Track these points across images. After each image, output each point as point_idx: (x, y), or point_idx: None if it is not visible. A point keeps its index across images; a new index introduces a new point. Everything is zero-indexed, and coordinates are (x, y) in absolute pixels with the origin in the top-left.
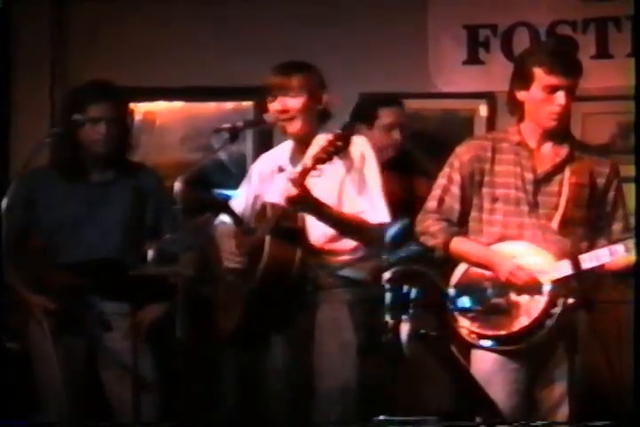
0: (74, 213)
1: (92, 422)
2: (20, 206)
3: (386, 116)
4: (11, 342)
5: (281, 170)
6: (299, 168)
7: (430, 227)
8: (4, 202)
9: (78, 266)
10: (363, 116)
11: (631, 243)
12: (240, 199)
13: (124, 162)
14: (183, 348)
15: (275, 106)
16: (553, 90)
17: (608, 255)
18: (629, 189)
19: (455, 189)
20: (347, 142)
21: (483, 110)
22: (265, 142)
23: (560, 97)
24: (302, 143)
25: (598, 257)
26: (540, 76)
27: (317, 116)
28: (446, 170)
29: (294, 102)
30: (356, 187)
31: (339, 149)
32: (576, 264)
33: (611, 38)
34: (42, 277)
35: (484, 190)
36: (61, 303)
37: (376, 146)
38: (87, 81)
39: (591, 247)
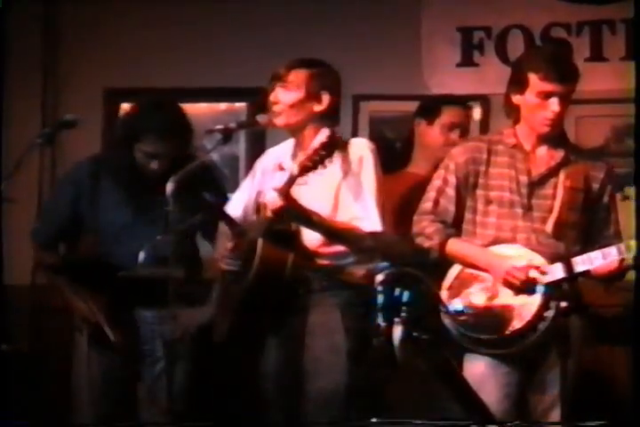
0: (124, 217)
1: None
2: (63, 199)
3: (448, 114)
4: (11, 344)
5: (280, 168)
6: (284, 179)
7: (426, 228)
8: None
9: (113, 267)
10: (425, 111)
11: (623, 246)
12: (243, 194)
13: None
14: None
15: (271, 96)
16: (547, 96)
17: (601, 258)
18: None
19: (450, 191)
20: (331, 151)
21: (476, 113)
22: (258, 144)
23: (554, 103)
24: (301, 142)
25: (591, 260)
26: (535, 81)
27: (317, 117)
28: (441, 171)
29: (286, 96)
30: (352, 192)
31: (323, 157)
32: (569, 267)
33: (605, 41)
34: (86, 284)
35: (479, 192)
36: (100, 316)
37: (433, 143)
38: (150, 105)
39: (584, 251)
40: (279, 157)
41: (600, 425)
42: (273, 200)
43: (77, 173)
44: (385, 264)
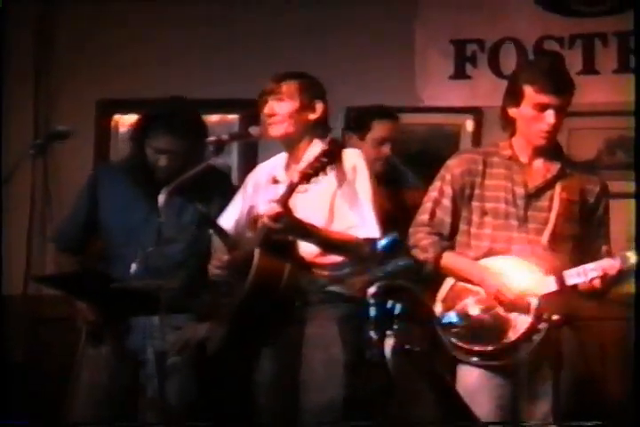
0: (133, 223)
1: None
2: (83, 202)
3: (378, 129)
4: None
5: (275, 181)
6: (285, 186)
7: (421, 240)
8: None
9: (106, 277)
10: (356, 127)
11: (617, 259)
12: (235, 209)
13: None
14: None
15: (265, 110)
16: (543, 108)
17: (594, 271)
18: (618, 205)
19: (446, 202)
20: (333, 158)
21: (469, 125)
22: (250, 155)
23: (550, 115)
24: (295, 154)
25: (585, 272)
26: (530, 94)
27: (311, 126)
28: (437, 183)
29: (282, 107)
30: (348, 201)
31: (325, 165)
32: (561, 280)
33: (597, 54)
34: (75, 284)
35: (474, 204)
36: (101, 317)
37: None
38: (161, 101)
39: (579, 263)
40: (271, 170)
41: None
42: (271, 208)
43: (95, 175)
44: (379, 273)
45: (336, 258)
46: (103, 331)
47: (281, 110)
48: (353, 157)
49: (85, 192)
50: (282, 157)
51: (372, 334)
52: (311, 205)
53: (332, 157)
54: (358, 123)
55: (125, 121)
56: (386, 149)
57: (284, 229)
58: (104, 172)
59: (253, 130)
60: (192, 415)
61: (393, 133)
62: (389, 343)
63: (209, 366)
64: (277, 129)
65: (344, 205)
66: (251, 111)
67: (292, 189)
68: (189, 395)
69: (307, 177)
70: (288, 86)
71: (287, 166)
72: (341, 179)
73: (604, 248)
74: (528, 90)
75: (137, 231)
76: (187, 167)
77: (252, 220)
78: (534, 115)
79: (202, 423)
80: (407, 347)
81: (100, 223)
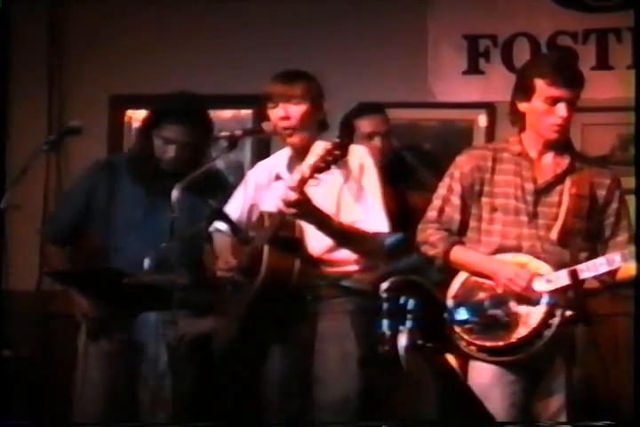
0: (131, 218)
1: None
2: (78, 196)
3: (363, 125)
4: (11, 347)
5: (278, 178)
6: (296, 177)
7: (430, 237)
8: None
9: (118, 273)
10: (345, 130)
11: (628, 252)
12: (235, 207)
13: None
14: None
15: (277, 112)
16: (554, 102)
17: (606, 265)
18: (630, 201)
19: (455, 199)
20: (344, 152)
21: (482, 121)
22: (263, 151)
23: (561, 109)
24: (300, 151)
25: (596, 267)
26: (542, 87)
27: (317, 126)
28: (446, 180)
29: (297, 110)
30: (354, 196)
31: (336, 158)
32: (574, 274)
33: (611, 50)
34: (88, 280)
35: (484, 200)
36: (101, 311)
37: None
38: (171, 95)
39: (590, 258)
40: (273, 168)
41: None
42: (287, 195)
43: (94, 167)
44: (391, 269)
45: (344, 254)
46: (105, 327)
47: (294, 114)
48: (359, 155)
49: (80, 186)
50: (284, 154)
51: (385, 329)
52: (319, 200)
53: (343, 151)
54: (344, 128)
55: (138, 116)
56: (376, 143)
57: (301, 214)
58: (104, 165)
59: (267, 126)
60: (199, 413)
61: (380, 127)
62: (402, 339)
63: (219, 363)
64: (295, 136)
65: (350, 201)
66: (264, 107)
67: (305, 179)
68: (185, 390)
69: (319, 169)
70: (300, 89)
71: (290, 164)
72: (348, 174)
73: (625, 241)
74: (539, 84)
75: (138, 225)
76: (194, 161)
77: (256, 218)
78: (546, 109)
79: (205, 423)
80: (420, 343)
81: (97, 217)
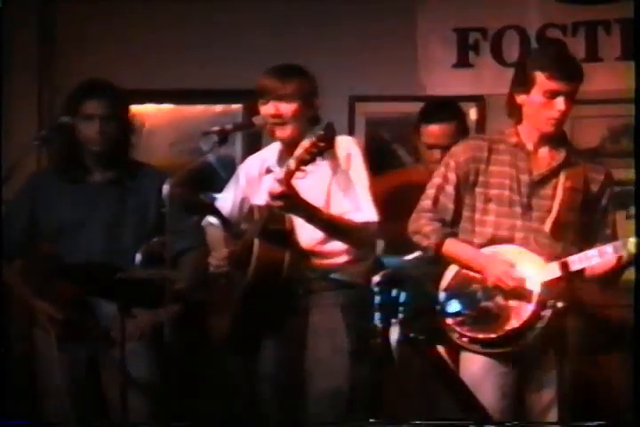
0: (73, 215)
1: (90, 422)
2: (22, 208)
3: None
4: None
5: (269, 171)
6: (283, 170)
7: (424, 227)
8: (9, 204)
9: (78, 270)
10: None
11: (620, 244)
12: (227, 201)
13: (123, 161)
14: (175, 351)
15: (267, 109)
16: (553, 95)
17: (597, 256)
18: (627, 193)
19: (450, 189)
20: (329, 143)
21: (472, 113)
22: (254, 145)
23: (560, 102)
24: (290, 145)
25: (588, 258)
26: (542, 80)
27: (308, 121)
28: (442, 169)
29: (288, 107)
30: (342, 187)
31: (321, 149)
32: (565, 266)
33: (600, 42)
34: (47, 283)
35: (478, 190)
36: (68, 312)
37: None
38: (85, 79)
39: (581, 251)
40: (264, 161)
41: (599, 426)
42: (273, 187)
43: (30, 181)
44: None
45: (334, 246)
46: (72, 330)
47: (285, 111)
48: (347, 145)
49: (21, 199)
50: (275, 147)
51: (377, 322)
52: (309, 193)
53: (327, 142)
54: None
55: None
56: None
57: (288, 207)
58: (38, 177)
59: (257, 120)
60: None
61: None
62: (394, 332)
63: (213, 353)
64: (284, 131)
65: (339, 192)
66: (255, 101)
67: (292, 171)
68: (152, 380)
69: (304, 162)
70: (292, 86)
71: (280, 157)
72: (336, 166)
73: (609, 235)
74: (539, 76)
75: (84, 222)
76: (119, 136)
77: (247, 211)
78: (544, 101)
79: (184, 423)
80: (412, 335)
81: (43, 224)
